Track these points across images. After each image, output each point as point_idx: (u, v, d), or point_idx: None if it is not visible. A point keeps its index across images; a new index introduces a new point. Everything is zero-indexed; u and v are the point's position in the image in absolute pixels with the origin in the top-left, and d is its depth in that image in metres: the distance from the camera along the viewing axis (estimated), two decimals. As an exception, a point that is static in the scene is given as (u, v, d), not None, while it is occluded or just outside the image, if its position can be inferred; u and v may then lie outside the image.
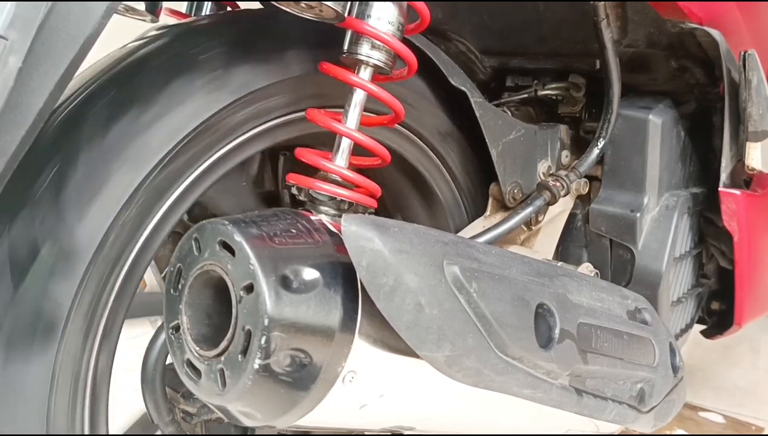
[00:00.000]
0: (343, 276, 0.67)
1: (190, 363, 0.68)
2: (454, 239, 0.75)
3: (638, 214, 1.18)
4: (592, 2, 1.07)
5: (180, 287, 0.70)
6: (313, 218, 0.73)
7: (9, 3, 0.52)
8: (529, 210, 1.07)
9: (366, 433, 0.98)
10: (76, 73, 0.60)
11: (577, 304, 0.84)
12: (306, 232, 0.68)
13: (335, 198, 0.77)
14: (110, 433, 0.81)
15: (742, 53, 1.12)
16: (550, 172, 1.16)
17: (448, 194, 1.09)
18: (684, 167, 1.28)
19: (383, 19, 0.76)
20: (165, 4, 1.08)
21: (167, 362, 0.94)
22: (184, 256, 0.70)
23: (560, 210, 1.20)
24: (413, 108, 0.98)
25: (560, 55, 1.25)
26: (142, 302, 1.18)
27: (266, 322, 0.61)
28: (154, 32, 0.83)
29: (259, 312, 0.62)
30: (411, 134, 1.01)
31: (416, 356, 0.68)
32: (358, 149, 0.79)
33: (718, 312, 1.47)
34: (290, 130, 0.88)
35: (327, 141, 0.82)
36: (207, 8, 1.12)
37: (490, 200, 1.12)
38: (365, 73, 0.78)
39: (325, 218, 0.74)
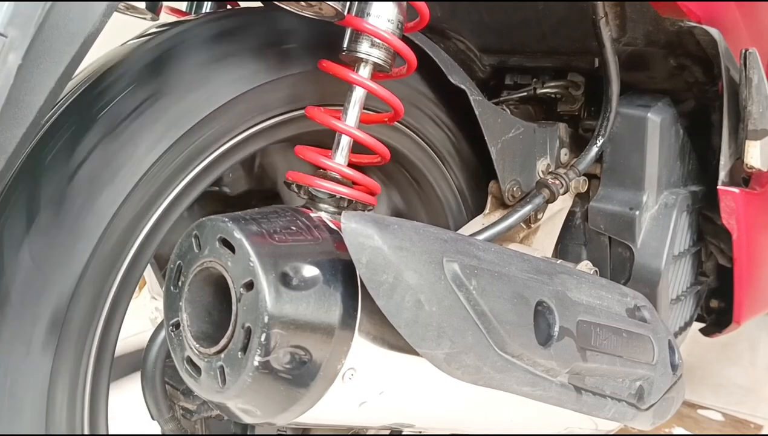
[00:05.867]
0: (343, 273, 0.67)
1: (190, 360, 0.69)
2: (453, 236, 0.76)
3: (637, 212, 1.18)
4: (590, 1, 1.07)
5: (180, 284, 0.70)
6: (312, 215, 0.73)
7: (8, 1, 0.52)
8: (528, 208, 1.07)
9: (366, 430, 0.99)
10: (77, 71, 0.61)
11: (577, 301, 0.84)
12: (306, 229, 0.69)
13: (335, 195, 0.77)
14: (110, 433, 0.81)
15: (743, 51, 1.12)
16: (549, 170, 1.16)
17: (448, 192, 1.09)
18: (683, 165, 1.28)
19: (383, 17, 0.76)
20: (165, 3, 1.08)
21: (167, 359, 0.94)
22: (184, 253, 0.70)
23: (559, 208, 1.20)
24: (413, 106, 0.98)
25: (559, 53, 1.25)
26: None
27: (266, 319, 0.62)
28: (154, 30, 0.83)
29: (258, 309, 0.62)
30: (410, 132, 1.01)
31: (416, 353, 0.68)
32: (357, 147, 0.80)
33: (717, 310, 1.47)
34: (290, 127, 0.88)
35: (327, 139, 0.82)
36: (207, 6, 1.12)
37: (489, 198, 1.12)
38: (365, 71, 0.78)
39: (324, 216, 0.74)
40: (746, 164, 1.18)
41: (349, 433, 1.01)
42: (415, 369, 0.73)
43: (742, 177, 1.27)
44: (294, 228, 0.68)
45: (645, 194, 1.19)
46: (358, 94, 0.78)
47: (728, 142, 1.18)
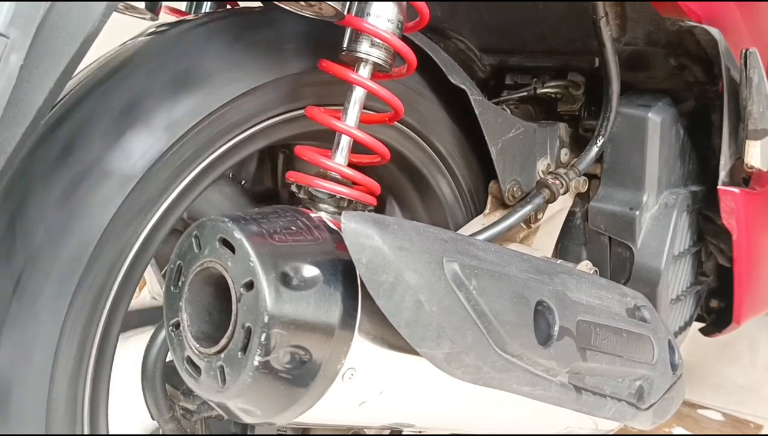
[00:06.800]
0: (343, 273, 0.67)
1: (190, 360, 0.69)
2: (453, 236, 0.76)
3: (637, 212, 1.18)
4: (591, 0, 1.07)
5: (180, 284, 0.70)
6: (312, 215, 0.73)
7: (9, 2, 0.52)
8: (528, 208, 1.07)
9: (365, 430, 0.99)
10: (76, 71, 0.61)
11: (577, 301, 0.84)
12: (306, 229, 0.69)
13: (335, 195, 0.77)
14: (110, 433, 0.81)
15: (743, 51, 1.12)
16: (550, 170, 1.16)
17: (448, 192, 1.09)
18: (683, 165, 1.28)
19: (383, 17, 0.76)
20: (165, 3, 1.08)
21: (167, 360, 0.94)
22: (184, 253, 0.70)
23: (559, 208, 1.20)
24: (412, 106, 0.98)
25: (559, 53, 1.25)
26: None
27: (266, 319, 0.62)
28: (153, 30, 0.83)
29: (259, 309, 0.62)
30: (410, 132, 1.01)
31: (416, 353, 0.68)
32: (357, 147, 0.80)
33: (716, 310, 1.47)
34: (290, 127, 0.88)
35: (327, 139, 0.82)
36: (207, 6, 1.12)
37: (490, 198, 1.12)
38: (365, 71, 0.78)
39: (324, 216, 0.74)
40: (746, 164, 1.18)
41: (349, 433, 1.01)
42: (415, 369, 0.73)
43: (742, 177, 1.27)
44: (294, 228, 0.68)
45: (645, 194, 1.19)
46: (358, 94, 0.78)
47: (728, 142, 1.18)
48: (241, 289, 0.63)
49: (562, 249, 1.27)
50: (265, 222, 0.67)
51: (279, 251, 0.64)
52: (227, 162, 0.83)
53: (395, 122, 0.95)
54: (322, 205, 0.77)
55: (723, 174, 1.19)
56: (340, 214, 0.73)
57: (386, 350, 0.71)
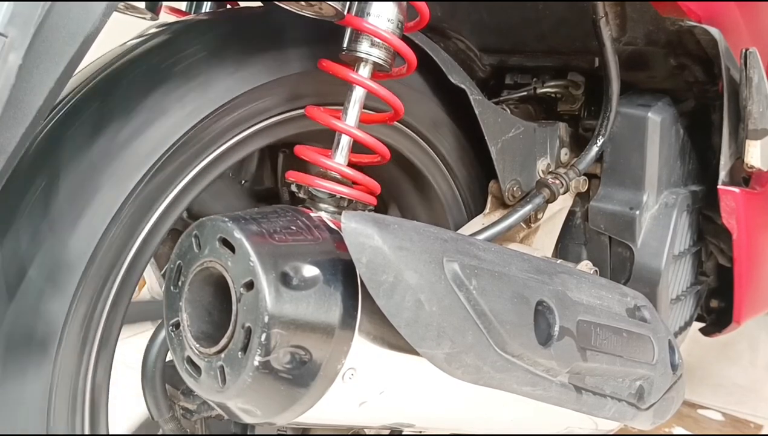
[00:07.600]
0: (343, 273, 0.67)
1: (190, 360, 0.68)
2: (453, 236, 0.76)
3: (637, 212, 1.18)
4: (591, 0, 1.07)
5: (180, 284, 0.70)
6: (312, 215, 0.73)
7: (8, 1, 0.52)
8: (528, 208, 1.07)
9: (365, 430, 0.99)
10: (76, 71, 0.61)
11: (577, 301, 0.84)
12: (306, 229, 0.69)
13: (335, 195, 0.77)
14: (110, 433, 0.81)
15: (743, 51, 1.12)
16: (550, 169, 1.16)
17: (448, 192, 1.09)
18: (683, 165, 1.28)
19: (383, 16, 0.76)
20: (165, 2, 1.08)
21: (167, 359, 0.94)
22: (184, 253, 0.70)
23: (559, 208, 1.20)
24: (413, 106, 0.98)
25: (559, 53, 1.25)
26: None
27: (266, 319, 0.62)
28: (154, 30, 0.83)
29: (259, 309, 0.62)
30: (410, 132, 1.01)
31: (416, 353, 0.68)
32: (357, 146, 0.80)
33: (717, 310, 1.47)
34: (290, 127, 0.88)
35: (327, 138, 0.82)
36: (207, 6, 1.12)
37: (489, 198, 1.12)
38: (365, 71, 0.78)
39: (324, 215, 0.74)
40: (746, 164, 1.18)
41: (349, 433, 1.01)
42: (415, 369, 0.73)
43: (743, 177, 1.27)
44: (294, 228, 0.68)
45: (645, 194, 1.19)
46: (358, 94, 0.78)
47: (728, 141, 1.18)
48: (241, 289, 0.63)
49: (562, 249, 1.27)
50: (265, 222, 0.67)
51: (279, 251, 0.64)
52: (227, 161, 0.83)
53: (395, 122, 0.95)
54: (322, 205, 0.77)
55: (723, 174, 1.19)
56: (340, 214, 0.73)
57: (386, 350, 0.71)
